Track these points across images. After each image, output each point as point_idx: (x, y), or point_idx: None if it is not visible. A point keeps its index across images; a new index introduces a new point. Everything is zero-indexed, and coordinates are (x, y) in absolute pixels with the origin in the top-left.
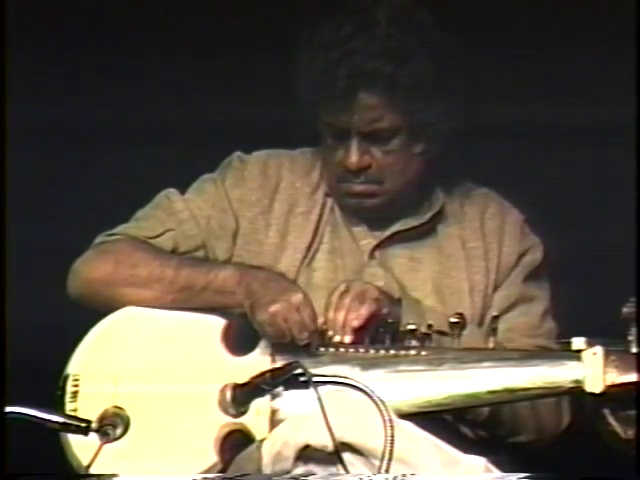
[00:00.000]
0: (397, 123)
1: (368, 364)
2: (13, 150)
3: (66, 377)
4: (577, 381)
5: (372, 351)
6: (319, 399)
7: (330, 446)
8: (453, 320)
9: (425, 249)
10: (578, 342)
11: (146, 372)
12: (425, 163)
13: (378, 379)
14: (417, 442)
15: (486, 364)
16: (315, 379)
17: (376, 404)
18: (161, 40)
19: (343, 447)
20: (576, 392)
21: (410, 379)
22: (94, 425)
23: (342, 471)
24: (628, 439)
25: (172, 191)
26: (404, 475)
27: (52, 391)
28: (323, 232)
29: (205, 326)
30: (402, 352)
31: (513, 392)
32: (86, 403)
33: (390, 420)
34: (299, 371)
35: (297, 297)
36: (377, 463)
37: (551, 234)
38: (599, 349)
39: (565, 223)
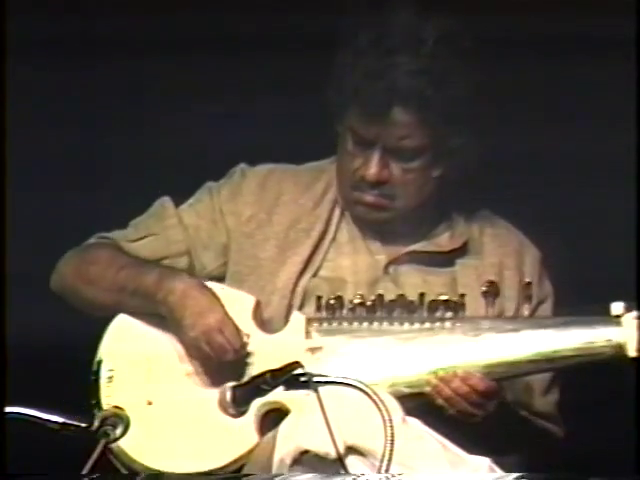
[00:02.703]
0: (424, 144)
1: (404, 337)
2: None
3: (99, 362)
4: (619, 346)
5: (407, 324)
6: (319, 399)
7: (330, 446)
8: (484, 289)
9: (440, 275)
10: (617, 307)
11: (178, 350)
12: (441, 187)
13: (416, 351)
14: (423, 440)
15: (523, 332)
16: (315, 379)
17: (376, 404)
18: None
19: (344, 447)
20: (618, 358)
21: (449, 350)
22: (94, 425)
23: (342, 471)
24: None
25: (166, 199)
26: (394, 475)
27: (52, 391)
28: (328, 248)
29: (236, 303)
30: (437, 324)
31: (553, 360)
32: (120, 388)
33: (390, 420)
34: (299, 371)
35: (216, 317)
36: (377, 463)
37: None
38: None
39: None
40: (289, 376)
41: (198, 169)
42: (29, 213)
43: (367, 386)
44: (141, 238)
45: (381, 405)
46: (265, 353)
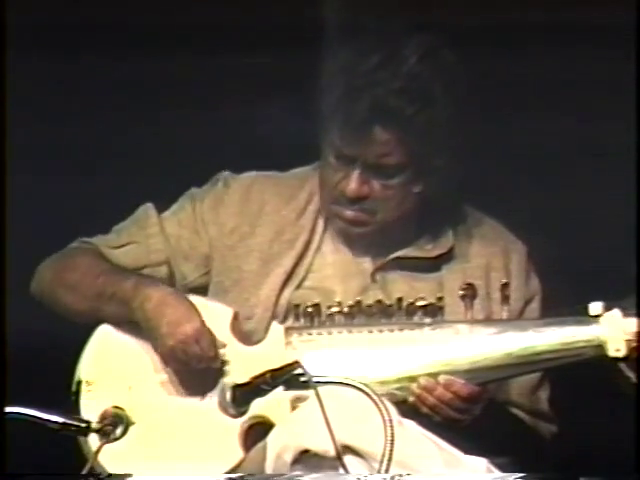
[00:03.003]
0: (404, 162)
1: (384, 343)
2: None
3: (79, 382)
4: (599, 346)
5: (386, 331)
6: (319, 399)
7: (330, 447)
8: (462, 292)
9: (427, 281)
10: (595, 307)
11: (158, 367)
12: (423, 200)
13: (397, 357)
14: (419, 442)
15: (503, 335)
16: (315, 379)
17: (376, 404)
18: None
19: (343, 448)
20: (599, 358)
21: (429, 356)
22: (94, 425)
23: (341, 471)
24: None
25: (150, 206)
26: (401, 475)
27: (52, 391)
28: (313, 259)
29: (214, 315)
30: (417, 330)
31: (534, 362)
32: (102, 408)
33: (390, 420)
34: (299, 371)
35: (193, 327)
36: (377, 464)
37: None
38: (617, 312)
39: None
40: (289, 376)
41: (190, 171)
42: (29, 214)
43: (367, 386)
44: (123, 245)
45: (381, 405)
46: (244, 365)
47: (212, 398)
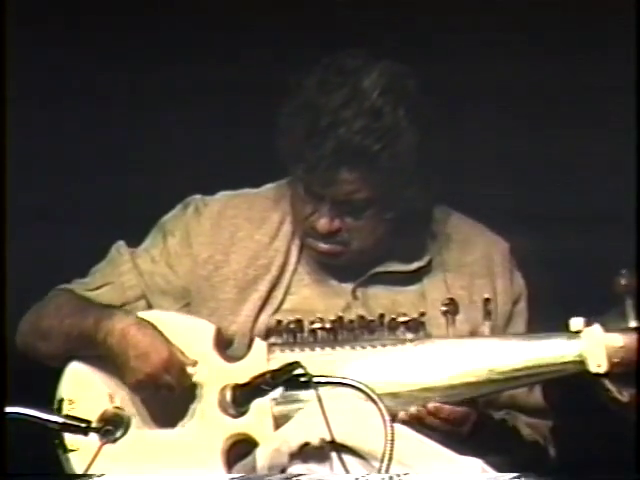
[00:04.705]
0: (373, 196)
1: (366, 359)
2: None
3: (61, 401)
4: (579, 362)
5: (369, 347)
6: (319, 399)
7: (329, 446)
8: (444, 309)
9: (409, 294)
10: (576, 323)
11: None
12: (394, 225)
13: (379, 374)
14: (413, 445)
15: (484, 352)
16: (315, 379)
17: (376, 404)
18: None
19: (343, 448)
20: (580, 373)
21: (411, 372)
22: (94, 425)
23: (340, 470)
24: (628, 402)
25: (121, 244)
26: (398, 475)
27: (52, 391)
28: (290, 281)
29: (197, 331)
30: (399, 345)
31: (516, 378)
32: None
33: (390, 420)
34: (299, 371)
35: (161, 357)
36: (376, 464)
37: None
38: (598, 327)
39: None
40: (289, 376)
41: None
42: (29, 214)
43: (367, 386)
44: (98, 287)
45: (381, 405)
46: (227, 382)
47: (185, 427)
